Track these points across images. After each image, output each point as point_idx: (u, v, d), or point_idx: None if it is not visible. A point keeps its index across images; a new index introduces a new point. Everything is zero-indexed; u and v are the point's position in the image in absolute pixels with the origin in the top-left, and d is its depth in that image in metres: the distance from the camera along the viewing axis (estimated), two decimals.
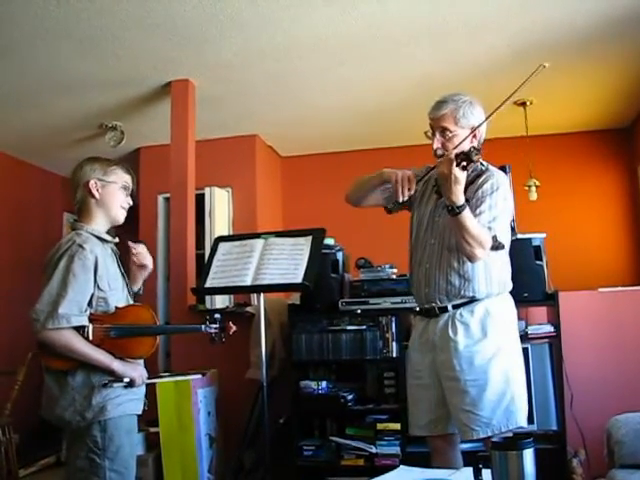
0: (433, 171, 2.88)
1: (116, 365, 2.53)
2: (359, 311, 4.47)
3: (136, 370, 2.61)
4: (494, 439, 1.98)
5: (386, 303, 4.42)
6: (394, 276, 4.56)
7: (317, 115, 6.28)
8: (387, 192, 3.02)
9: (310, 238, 3.80)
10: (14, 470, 4.90)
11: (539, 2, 4.24)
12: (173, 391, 4.33)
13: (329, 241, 4.55)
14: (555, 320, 4.30)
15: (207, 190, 6.42)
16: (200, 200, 6.09)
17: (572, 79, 5.50)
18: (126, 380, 2.55)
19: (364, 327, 4.47)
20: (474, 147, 2.60)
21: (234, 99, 5.80)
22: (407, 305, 4.35)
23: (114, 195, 2.69)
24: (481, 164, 2.89)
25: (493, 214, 2.73)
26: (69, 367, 2.50)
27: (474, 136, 2.87)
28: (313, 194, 7.31)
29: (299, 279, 3.60)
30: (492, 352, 2.76)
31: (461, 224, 2.61)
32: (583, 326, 4.67)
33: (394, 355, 4.38)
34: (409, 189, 2.80)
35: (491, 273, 2.82)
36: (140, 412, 2.67)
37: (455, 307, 2.82)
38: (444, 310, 2.84)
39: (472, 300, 2.81)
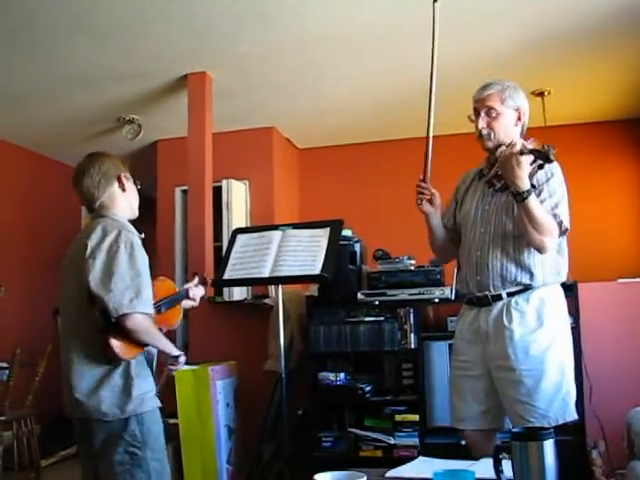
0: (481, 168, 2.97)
1: (176, 348, 2.69)
2: (377, 302, 4.46)
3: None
4: (514, 430, 1.97)
5: (404, 294, 4.40)
6: (412, 267, 4.55)
7: (334, 107, 6.27)
8: (436, 218, 3.07)
9: (328, 230, 3.79)
10: (36, 460, 4.96)
11: None
12: (192, 383, 4.35)
13: (347, 232, 4.54)
14: (574, 311, 4.26)
15: (224, 183, 6.43)
16: (217, 193, 6.10)
17: (590, 69, 5.45)
18: (182, 360, 2.69)
19: (382, 318, 4.47)
20: (549, 145, 2.54)
21: (251, 91, 5.80)
22: (425, 296, 4.35)
23: (134, 190, 2.79)
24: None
25: (554, 200, 2.70)
26: (134, 355, 2.51)
27: (519, 118, 2.89)
28: (330, 186, 7.30)
29: (317, 271, 3.59)
30: (548, 342, 2.72)
31: (528, 210, 2.60)
32: (602, 317, 4.63)
33: (412, 346, 4.38)
34: (424, 194, 2.93)
35: (547, 261, 2.77)
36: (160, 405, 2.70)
37: (510, 295, 2.77)
38: (497, 298, 2.78)
39: (527, 288, 2.76)
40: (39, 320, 6.95)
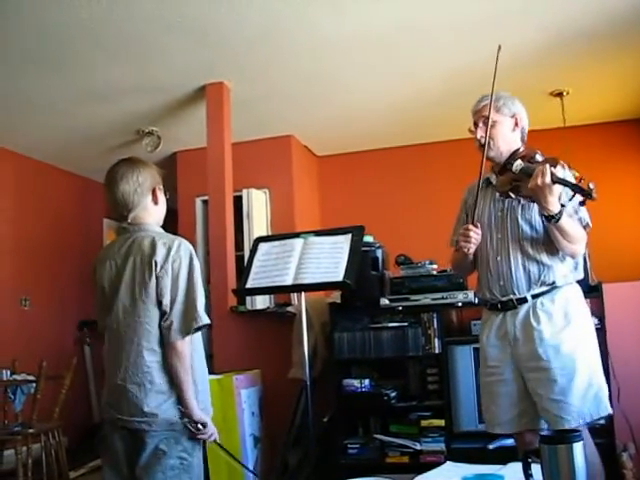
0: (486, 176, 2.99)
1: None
2: (400, 308, 4.45)
3: None
4: (543, 433, 1.95)
5: (427, 299, 4.39)
6: (434, 272, 4.53)
7: (351, 114, 6.28)
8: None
9: (349, 236, 3.78)
10: (65, 472, 4.99)
11: None
12: (217, 392, 4.35)
13: (368, 238, 4.53)
14: (600, 312, 4.23)
15: (245, 192, 6.46)
16: (238, 202, 6.12)
17: (608, 68, 5.42)
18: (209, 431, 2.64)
19: (406, 324, 4.45)
20: (592, 184, 2.54)
21: (269, 100, 5.82)
22: (448, 301, 4.34)
23: (164, 202, 2.79)
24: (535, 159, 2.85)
25: (574, 202, 2.70)
26: None
27: (516, 124, 2.95)
28: (350, 192, 7.31)
29: (340, 277, 3.58)
30: (577, 339, 2.74)
31: (562, 229, 2.66)
32: (628, 318, 4.58)
33: (437, 351, 4.36)
34: (469, 237, 2.83)
35: (567, 258, 2.82)
36: None
37: (534, 297, 2.80)
38: (522, 301, 2.81)
39: (552, 288, 2.79)
40: (65, 333, 7.03)
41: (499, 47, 2.98)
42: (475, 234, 2.83)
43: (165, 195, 2.79)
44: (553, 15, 4.49)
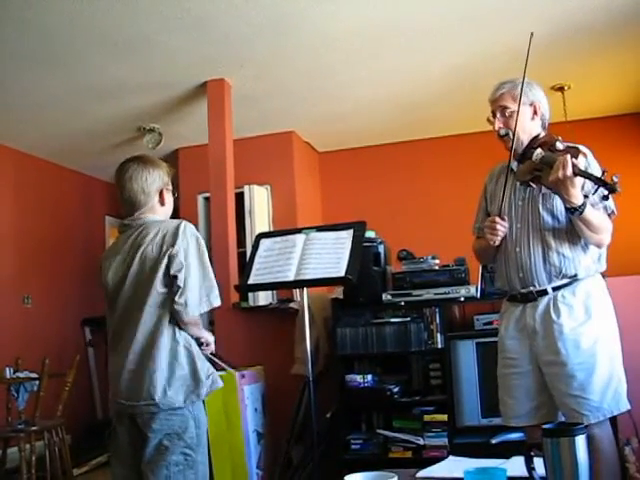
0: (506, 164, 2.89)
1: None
2: (403, 303, 4.45)
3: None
4: (545, 426, 1.95)
5: (429, 294, 4.38)
6: (437, 267, 4.52)
7: (353, 109, 6.27)
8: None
9: (351, 232, 3.78)
10: (68, 470, 4.99)
11: None
12: (220, 389, 4.35)
13: (370, 234, 4.53)
14: None
15: (246, 188, 6.46)
16: (240, 198, 6.12)
17: (609, 62, 5.42)
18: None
19: (408, 319, 4.45)
20: (616, 177, 2.51)
21: (270, 96, 5.82)
22: (451, 296, 4.33)
23: (172, 202, 2.85)
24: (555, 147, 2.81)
25: (599, 193, 2.64)
26: None
27: (535, 112, 2.87)
28: (351, 188, 7.31)
29: (342, 273, 3.58)
30: (597, 334, 2.70)
31: (586, 220, 2.61)
32: (633, 312, 4.57)
33: (439, 346, 4.35)
34: (496, 230, 2.80)
35: (589, 249, 2.77)
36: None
37: (555, 289, 2.75)
38: (543, 293, 2.76)
39: (573, 280, 2.74)
40: (67, 331, 7.03)
41: (531, 34, 2.86)
42: (502, 227, 2.78)
43: (173, 195, 2.85)
44: (553, 9, 4.49)
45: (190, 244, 2.61)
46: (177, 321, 2.57)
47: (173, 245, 2.57)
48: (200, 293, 2.59)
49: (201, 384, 2.61)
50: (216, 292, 2.65)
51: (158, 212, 2.76)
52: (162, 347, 2.55)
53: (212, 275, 2.66)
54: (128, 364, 2.57)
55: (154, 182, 2.74)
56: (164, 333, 2.56)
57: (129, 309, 2.62)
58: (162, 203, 2.77)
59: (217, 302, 2.66)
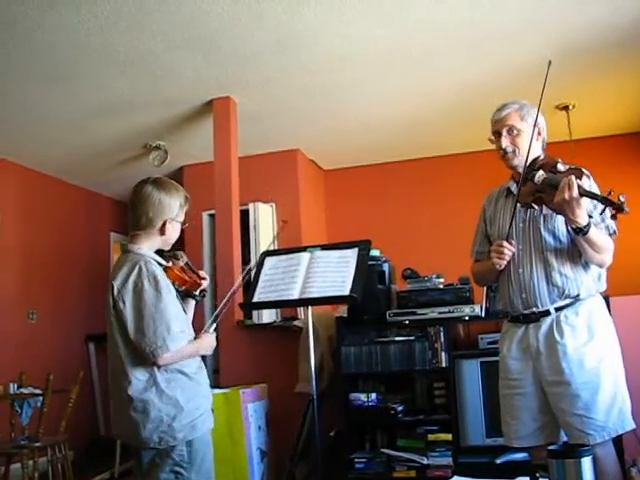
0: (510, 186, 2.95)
1: (201, 348, 2.72)
2: (407, 322, 4.44)
3: (204, 340, 2.78)
4: (551, 448, 1.94)
5: (434, 313, 4.38)
6: (441, 285, 4.52)
7: (358, 127, 6.29)
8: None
9: (356, 250, 3.78)
10: None
11: (579, 3, 4.21)
12: (223, 406, 4.35)
13: (375, 252, 4.54)
14: None
15: (251, 206, 6.48)
16: (244, 216, 6.13)
17: (613, 81, 5.44)
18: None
19: (412, 338, 4.45)
20: (622, 196, 2.54)
21: (275, 114, 5.85)
22: (455, 314, 4.33)
23: (177, 231, 2.78)
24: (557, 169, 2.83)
25: (600, 210, 2.67)
26: None
27: (539, 134, 2.92)
28: (356, 206, 7.32)
29: (346, 291, 3.57)
30: (601, 354, 2.72)
31: (590, 240, 2.63)
32: (635, 331, 4.56)
33: (444, 365, 4.34)
34: (503, 254, 2.80)
35: (590, 269, 2.79)
36: (213, 425, 2.71)
37: (558, 310, 2.76)
38: (545, 314, 2.78)
39: (575, 300, 2.76)
40: (71, 346, 7.03)
41: (549, 62, 2.95)
42: (509, 251, 2.79)
43: (183, 224, 2.79)
44: (557, 27, 4.51)
45: (145, 286, 2.52)
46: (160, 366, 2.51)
47: (120, 291, 2.53)
48: (159, 334, 2.48)
49: (181, 429, 2.51)
50: (174, 333, 2.51)
51: (154, 239, 2.71)
52: (137, 391, 2.51)
53: (172, 318, 2.53)
54: (114, 404, 2.61)
55: (162, 211, 2.68)
56: (139, 374, 2.52)
57: (111, 346, 2.61)
58: (162, 233, 2.71)
59: (177, 344, 2.51)
